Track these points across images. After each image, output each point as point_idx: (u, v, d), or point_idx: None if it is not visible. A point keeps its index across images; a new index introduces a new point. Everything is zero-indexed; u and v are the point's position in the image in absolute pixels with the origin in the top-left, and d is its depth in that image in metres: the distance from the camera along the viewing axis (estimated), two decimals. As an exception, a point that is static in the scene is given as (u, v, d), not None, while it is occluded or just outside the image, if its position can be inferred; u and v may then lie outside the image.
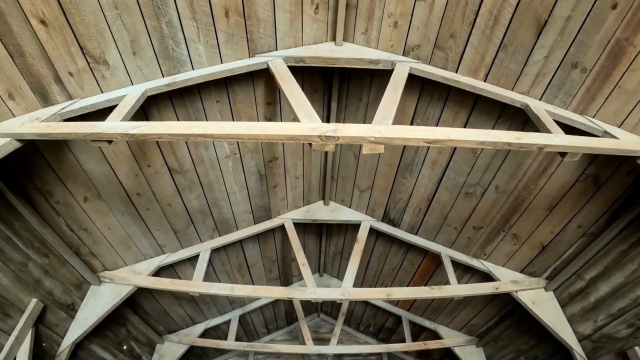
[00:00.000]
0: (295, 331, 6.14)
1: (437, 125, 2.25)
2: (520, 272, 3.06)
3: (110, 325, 3.19)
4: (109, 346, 3.18)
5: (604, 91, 1.73)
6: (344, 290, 2.67)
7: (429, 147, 2.39)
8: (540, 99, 1.88)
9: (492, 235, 2.83)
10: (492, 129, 2.11)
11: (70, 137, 1.40)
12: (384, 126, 1.31)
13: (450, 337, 4.46)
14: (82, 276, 2.65)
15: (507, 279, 2.99)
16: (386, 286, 4.49)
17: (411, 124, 2.33)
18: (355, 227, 3.38)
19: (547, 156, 2.14)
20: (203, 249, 3.00)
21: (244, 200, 2.85)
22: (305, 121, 1.37)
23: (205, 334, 4.48)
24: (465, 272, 3.30)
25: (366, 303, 5.03)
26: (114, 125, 1.36)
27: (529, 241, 2.72)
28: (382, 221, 3.31)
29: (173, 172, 2.32)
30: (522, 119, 2.00)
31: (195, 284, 2.67)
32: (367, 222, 3.29)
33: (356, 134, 1.23)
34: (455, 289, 2.80)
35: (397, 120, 2.36)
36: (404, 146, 2.49)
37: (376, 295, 2.64)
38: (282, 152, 2.64)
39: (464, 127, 2.18)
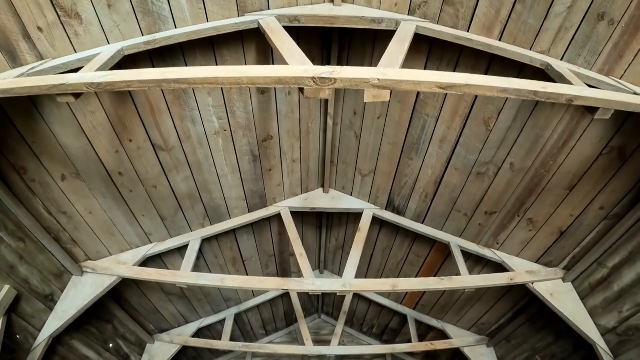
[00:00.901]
0: (295, 333, 5.96)
1: (446, 95, 2.10)
2: (536, 262, 2.89)
3: (94, 320, 3.04)
4: (93, 343, 3.02)
5: (634, 47, 1.57)
6: (345, 281, 2.51)
7: (437, 120, 2.24)
8: (561, 59, 1.73)
9: (505, 221, 2.67)
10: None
11: (34, 91, 1.27)
12: (389, 69, 1.16)
13: (459, 337, 4.28)
14: (63, 265, 2.51)
15: (522, 270, 2.82)
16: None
17: (417, 94, 2.18)
18: (357, 217, 3.23)
19: (568, 127, 1.98)
20: (193, 238, 2.85)
21: (236, 184, 2.70)
22: (297, 65, 1.22)
23: (198, 334, 4.32)
24: (477, 264, 3.13)
25: (369, 302, 4.86)
26: (80, 76, 1.22)
27: (547, 226, 2.56)
28: (386, 209, 3.15)
29: (157, 149, 2.18)
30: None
31: (183, 275, 2.52)
32: (369, 211, 3.13)
33: (357, 75, 1.08)
34: (467, 280, 2.63)
35: (402, 90, 2.21)
36: (410, 122, 2.34)
37: (381, 286, 2.48)
38: (278, 131, 2.49)
39: (476, 95, 2.03)
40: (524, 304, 3.36)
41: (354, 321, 5.76)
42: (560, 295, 2.74)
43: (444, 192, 2.68)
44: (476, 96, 2.04)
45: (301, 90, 1.14)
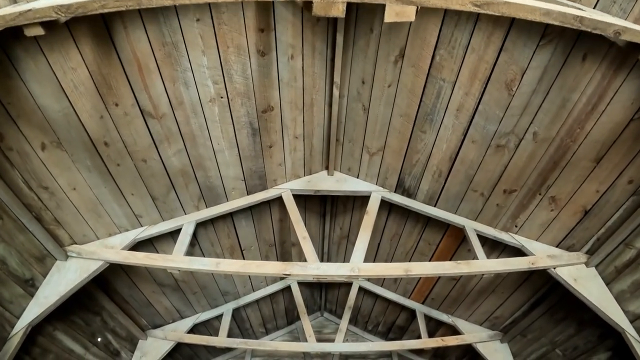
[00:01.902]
0: (296, 332, 5.80)
1: (465, 55, 1.95)
2: (557, 246, 2.74)
3: (80, 311, 2.88)
4: (79, 336, 2.87)
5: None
6: (353, 265, 2.36)
7: (454, 86, 2.09)
8: (594, 8, 1.59)
9: (525, 200, 2.52)
10: (534, 53, 1.82)
11: (-2, 24, 1.12)
12: (414, -15, 1.01)
13: (471, 333, 4.12)
14: (46, 248, 2.35)
15: (543, 254, 2.67)
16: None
17: (433, 56, 2.03)
18: (364, 202, 3.07)
19: (598, 88, 1.83)
20: (187, 222, 2.70)
21: (234, 161, 2.55)
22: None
23: (194, 330, 4.16)
24: (493, 249, 2.98)
25: (375, 296, 4.70)
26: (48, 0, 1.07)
27: (570, 205, 2.41)
28: (395, 191, 3.00)
29: (146, 116, 2.03)
30: (572, 37, 1.70)
31: (174, 259, 2.37)
32: (377, 193, 2.98)
33: (377, -15, 0.93)
34: (485, 264, 2.48)
35: (416, 51, 2.07)
36: (424, 89, 2.19)
37: (392, 271, 2.33)
38: (279, 101, 2.34)
39: (498, 53, 1.88)
40: (542, 294, 3.21)
41: (359, 318, 5.60)
42: (585, 280, 2.59)
43: (459, 169, 2.53)
44: (498, 56, 1.89)
45: (308, 4, 0.99)
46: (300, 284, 4.54)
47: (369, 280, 4.54)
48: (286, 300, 5.03)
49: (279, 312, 5.21)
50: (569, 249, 2.71)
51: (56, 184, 2.15)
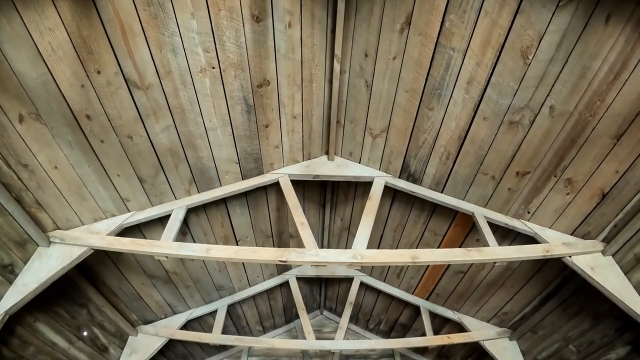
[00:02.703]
0: (295, 330, 5.69)
1: (477, 19, 1.84)
2: (571, 234, 2.63)
3: (65, 302, 2.77)
4: (63, 329, 2.75)
5: None
6: (356, 252, 2.24)
7: (464, 55, 1.98)
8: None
9: (540, 183, 2.41)
10: (553, 15, 1.70)
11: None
12: None
13: (479, 330, 4.01)
14: (26, 232, 2.23)
15: (558, 242, 2.56)
16: (402, 268, 4.06)
17: (442, 22, 1.92)
18: (366, 189, 2.96)
19: (621, 54, 1.72)
20: (177, 207, 2.58)
21: (227, 141, 2.44)
22: None
23: (187, 327, 4.05)
24: (504, 238, 2.86)
25: (377, 292, 4.59)
26: None
27: (587, 188, 2.29)
28: (399, 177, 2.89)
29: (132, 86, 1.91)
30: (595, -3, 1.59)
31: (162, 244, 2.25)
32: (381, 179, 2.87)
33: None
34: (497, 251, 2.36)
35: (424, 17, 1.95)
36: (432, 60, 2.08)
37: (398, 258, 2.21)
38: (276, 75, 2.23)
39: (514, 17, 1.77)
40: (554, 287, 3.09)
41: (360, 316, 5.48)
42: (602, 269, 2.47)
43: (469, 150, 2.41)
44: (513, 19, 1.78)
45: None
46: (299, 279, 4.43)
47: (370, 275, 4.43)
48: (284, 297, 4.92)
49: (276, 309, 5.10)
50: (585, 237, 2.60)
51: (36, 162, 2.03)
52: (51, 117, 1.88)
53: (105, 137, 2.06)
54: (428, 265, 3.79)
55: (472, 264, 3.40)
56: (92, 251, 2.39)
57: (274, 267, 4.20)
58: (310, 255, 2.20)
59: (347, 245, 4.13)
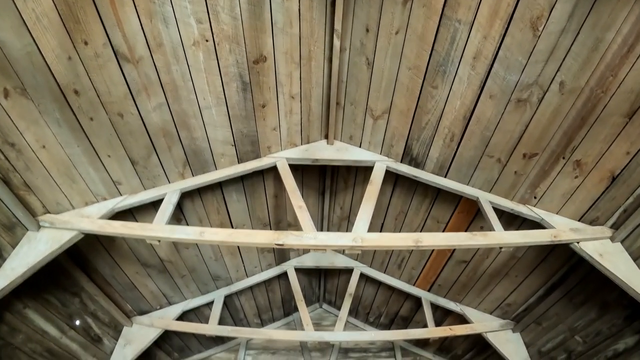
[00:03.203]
0: (294, 324, 5.67)
1: (484, -13, 1.77)
2: (579, 220, 2.57)
3: (56, 290, 2.73)
4: (54, 317, 2.71)
5: None
6: (356, 235, 2.19)
7: (471, 28, 1.91)
8: None
9: (547, 165, 2.35)
10: (565, -18, 1.64)
11: None
12: None
13: (481, 322, 3.98)
14: (15, 215, 2.18)
15: (565, 228, 2.51)
16: (404, 259, 4.02)
17: (447, -7, 1.85)
18: (367, 175, 2.90)
19: (636, 25, 1.66)
20: (170, 190, 2.53)
21: (222, 121, 2.37)
22: None
23: (183, 318, 4.01)
24: (509, 225, 2.81)
25: (378, 284, 4.55)
26: None
27: (596, 170, 2.23)
28: (401, 161, 2.83)
29: (121, 59, 1.85)
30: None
31: (154, 227, 2.20)
32: (382, 163, 2.81)
33: None
34: (504, 236, 2.31)
35: (429, -14, 1.88)
36: (436, 33, 2.01)
37: (400, 242, 2.16)
38: (273, 50, 2.16)
39: (524, -16, 1.71)
40: (560, 277, 3.05)
41: (359, 309, 5.46)
42: (611, 256, 2.42)
43: (474, 131, 2.35)
44: (522, -12, 1.71)
45: None
46: (297, 270, 4.40)
47: (371, 266, 4.39)
48: (282, 289, 4.89)
49: (274, 301, 5.07)
50: (592, 222, 2.55)
51: (23, 141, 1.97)
52: (37, 92, 1.81)
53: (95, 115, 2.00)
54: (430, 256, 3.75)
55: (476, 253, 3.36)
56: (83, 236, 2.34)
57: (272, 257, 4.16)
58: (309, 239, 2.15)
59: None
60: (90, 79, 1.86)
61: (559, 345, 3.38)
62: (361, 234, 2.20)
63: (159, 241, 2.19)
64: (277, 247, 2.11)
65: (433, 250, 3.66)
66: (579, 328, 3.09)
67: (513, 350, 3.78)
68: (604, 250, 2.44)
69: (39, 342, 2.62)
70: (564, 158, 2.27)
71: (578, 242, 2.46)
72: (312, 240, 2.14)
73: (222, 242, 2.12)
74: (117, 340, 3.56)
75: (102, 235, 2.75)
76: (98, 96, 1.93)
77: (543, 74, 1.95)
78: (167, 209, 2.39)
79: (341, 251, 4.46)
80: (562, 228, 2.50)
